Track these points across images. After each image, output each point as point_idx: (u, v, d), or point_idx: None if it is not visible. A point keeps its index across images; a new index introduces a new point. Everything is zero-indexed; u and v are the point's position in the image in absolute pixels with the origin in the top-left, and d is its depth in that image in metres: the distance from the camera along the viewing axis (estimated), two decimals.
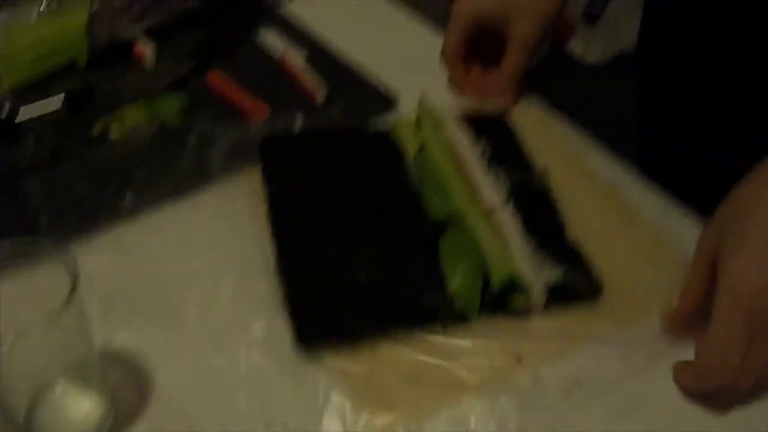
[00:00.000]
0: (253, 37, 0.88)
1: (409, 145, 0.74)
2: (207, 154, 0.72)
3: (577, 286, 0.63)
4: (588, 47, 2.42)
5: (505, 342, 0.61)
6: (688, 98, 0.83)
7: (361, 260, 0.65)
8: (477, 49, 0.81)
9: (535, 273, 0.62)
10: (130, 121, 0.76)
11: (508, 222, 0.66)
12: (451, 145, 0.73)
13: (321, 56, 0.86)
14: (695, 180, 0.78)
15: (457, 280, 0.63)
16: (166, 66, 0.83)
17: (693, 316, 0.59)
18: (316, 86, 0.78)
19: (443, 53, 0.81)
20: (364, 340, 0.60)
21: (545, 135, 0.78)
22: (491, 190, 0.69)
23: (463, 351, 0.60)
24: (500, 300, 0.62)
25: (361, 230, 0.68)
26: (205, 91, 0.80)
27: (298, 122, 0.76)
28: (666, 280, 0.64)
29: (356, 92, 0.80)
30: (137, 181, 0.70)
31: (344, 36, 0.88)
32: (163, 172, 0.70)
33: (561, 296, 0.63)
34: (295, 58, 0.82)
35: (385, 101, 0.80)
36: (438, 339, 0.60)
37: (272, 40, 0.87)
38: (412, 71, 0.84)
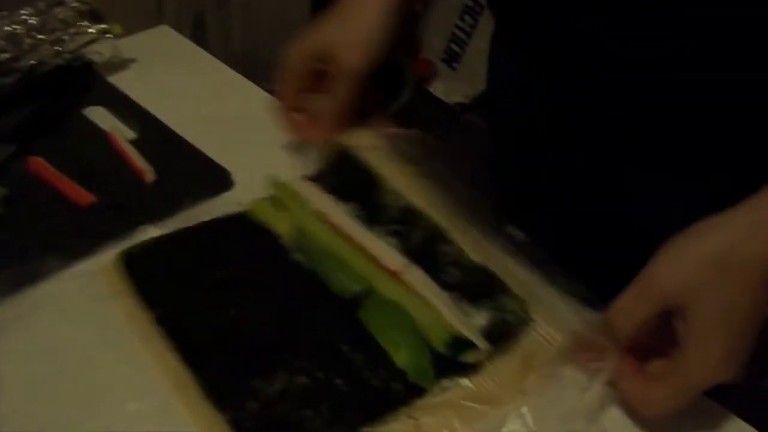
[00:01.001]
0: (80, 114, 0.83)
1: (277, 226, 0.69)
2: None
3: (509, 320, 0.61)
4: (449, 88, 2.46)
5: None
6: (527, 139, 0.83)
7: (292, 365, 0.58)
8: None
9: (468, 324, 0.60)
10: None
11: (421, 281, 0.63)
12: (323, 216, 0.69)
13: (154, 132, 0.80)
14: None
15: (403, 354, 0.59)
16: None
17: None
18: (143, 166, 0.74)
19: (279, 98, 0.78)
20: None
21: (406, 175, 0.74)
22: (390, 253, 0.65)
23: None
24: (449, 361, 0.59)
25: (275, 331, 0.61)
26: (27, 178, 0.74)
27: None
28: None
29: (190, 171, 0.76)
30: None
31: (178, 109, 0.83)
32: None
33: (500, 336, 0.60)
34: (122, 137, 0.78)
35: (220, 180, 0.75)
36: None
37: (101, 117, 0.83)
38: (251, 145, 0.81)
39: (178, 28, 1.03)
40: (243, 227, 0.71)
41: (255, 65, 0.93)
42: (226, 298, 0.63)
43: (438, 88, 2.45)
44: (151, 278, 0.65)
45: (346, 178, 0.75)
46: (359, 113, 0.78)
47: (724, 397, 0.59)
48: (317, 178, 0.74)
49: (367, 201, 0.72)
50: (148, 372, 0.59)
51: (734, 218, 0.54)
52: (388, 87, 0.82)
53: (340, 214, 0.70)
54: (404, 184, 0.73)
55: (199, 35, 2.07)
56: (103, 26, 0.88)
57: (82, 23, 0.87)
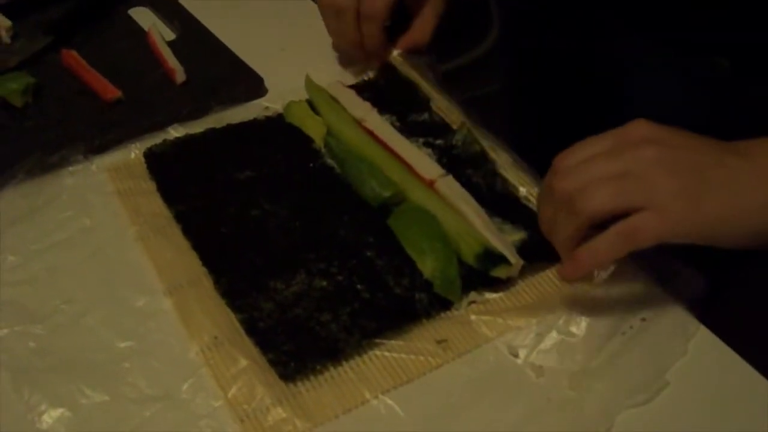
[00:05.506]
0: (124, 13, 0.82)
1: (310, 130, 0.66)
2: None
3: (546, 244, 0.56)
4: None
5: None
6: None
7: (313, 267, 0.55)
8: None
9: (502, 239, 0.56)
10: None
11: (455, 192, 0.59)
12: (359, 122, 0.65)
13: (193, 34, 0.78)
14: None
15: (430, 264, 0.55)
16: (22, 43, 0.76)
17: None
18: (175, 66, 0.72)
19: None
20: (350, 355, 0.51)
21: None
22: (425, 162, 0.62)
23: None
24: (478, 274, 0.55)
25: (297, 233, 0.58)
26: (59, 70, 0.72)
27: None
28: None
29: (223, 75, 0.73)
30: None
31: (223, 13, 0.82)
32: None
33: (535, 255, 0.56)
34: (159, 36, 0.76)
35: (253, 86, 0.72)
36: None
37: (143, 17, 0.80)
38: (291, 55, 0.78)
39: None
40: (274, 129, 0.68)
41: None
42: (249, 199, 0.61)
43: None
44: (173, 176, 0.63)
45: (386, 89, 0.71)
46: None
47: None
48: (356, 86, 0.71)
49: (406, 114, 0.68)
50: (162, 269, 0.57)
51: None
52: (469, 31, 0.76)
53: (377, 120, 0.66)
54: (446, 105, 0.70)
55: None
56: None
57: None
